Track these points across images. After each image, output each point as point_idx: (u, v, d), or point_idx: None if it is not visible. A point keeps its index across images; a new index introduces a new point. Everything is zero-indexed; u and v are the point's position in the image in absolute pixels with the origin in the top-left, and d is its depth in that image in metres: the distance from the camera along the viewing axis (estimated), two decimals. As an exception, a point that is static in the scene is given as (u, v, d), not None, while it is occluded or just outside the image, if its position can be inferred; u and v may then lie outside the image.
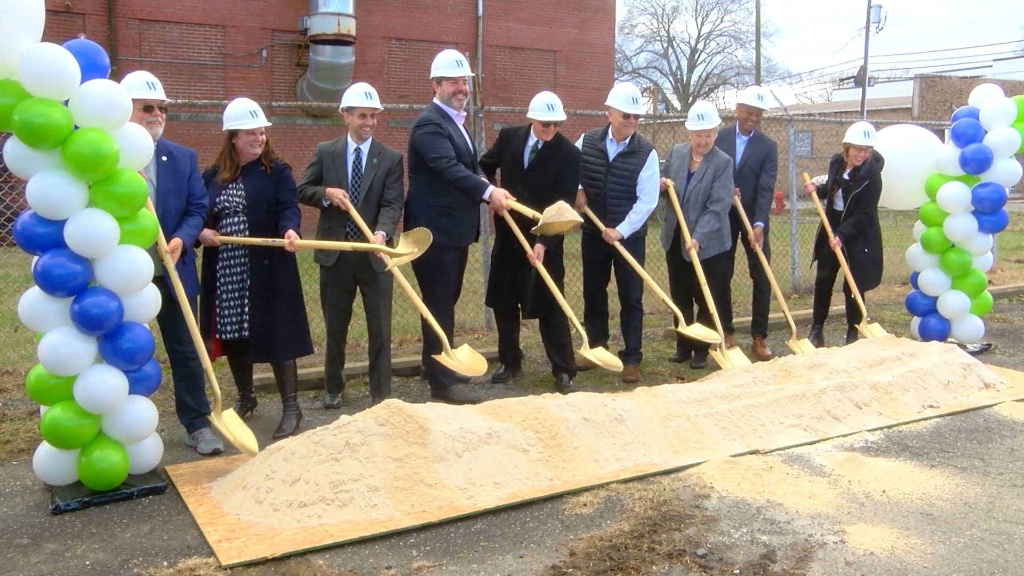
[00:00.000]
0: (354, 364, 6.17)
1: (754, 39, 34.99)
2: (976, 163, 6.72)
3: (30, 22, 3.63)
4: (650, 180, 6.09)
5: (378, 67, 18.36)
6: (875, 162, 6.91)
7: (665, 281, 6.73)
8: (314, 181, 5.41)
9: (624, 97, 5.99)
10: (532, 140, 5.83)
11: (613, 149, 6.12)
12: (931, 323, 7.09)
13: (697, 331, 6.24)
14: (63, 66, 3.62)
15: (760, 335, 7.18)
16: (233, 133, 4.94)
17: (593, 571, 3.32)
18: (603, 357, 5.72)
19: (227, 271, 5.01)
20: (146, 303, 4.06)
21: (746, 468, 4.35)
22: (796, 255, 9.93)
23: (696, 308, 6.58)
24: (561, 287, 5.89)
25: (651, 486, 4.17)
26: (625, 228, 6.06)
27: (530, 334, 7.24)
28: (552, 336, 6.04)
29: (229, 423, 4.46)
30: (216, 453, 4.63)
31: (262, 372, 5.62)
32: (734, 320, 7.25)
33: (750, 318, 7.33)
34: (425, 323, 5.32)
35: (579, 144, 6.20)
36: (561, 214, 5.41)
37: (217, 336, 5.05)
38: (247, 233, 4.96)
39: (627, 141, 6.08)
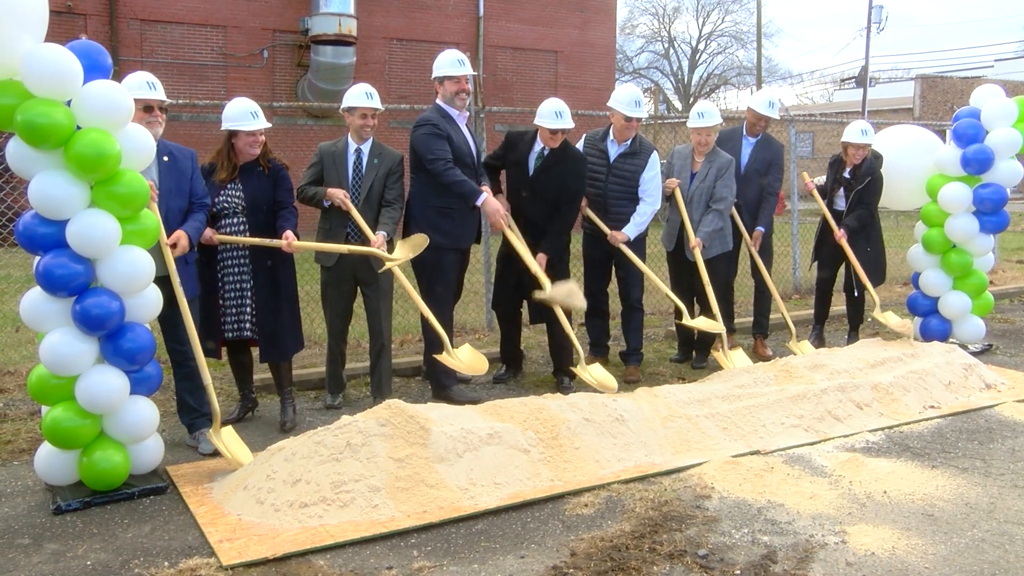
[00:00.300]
0: (355, 364, 6.17)
1: (755, 39, 35.07)
2: (977, 163, 6.72)
3: (33, 23, 3.63)
4: (652, 181, 6.09)
5: (379, 67, 18.37)
6: (874, 159, 6.94)
7: (665, 282, 6.72)
8: (315, 182, 5.41)
9: (627, 100, 5.98)
10: (538, 146, 5.79)
11: (614, 150, 6.12)
12: (932, 324, 7.09)
13: (700, 322, 6.24)
14: (66, 66, 3.62)
15: (761, 336, 7.18)
16: (233, 133, 4.95)
17: (594, 571, 3.32)
18: (598, 377, 5.55)
19: (228, 271, 5.02)
20: (147, 303, 4.06)
21: (747, 468, 4.35)
22: (797, 256, 9.93)
23: (697, 309, 6.58)
24: None
25: (652, 486, 4.17)
26: (631, 230, 6.06)
27: (531, 334, 7.23)
28: (556, 339, 6.04)
29: (227, 441, 4.48)
30: (217, 453, 4.63)
31: (262, 372, 5.63)
32: (735, 320, 7.25)
33: (751, 319, 7.33)
34: (426, 323, 5.32)
35: (580, 144, 6.20)
36: (570, 295, 5.53)
37: (219, 336, 5.05)
38: (247, 234, 4.96)
39: (628, 142, 6.08)
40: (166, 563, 3.40)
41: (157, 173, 4.50)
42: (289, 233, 4.90)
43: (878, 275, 7.17)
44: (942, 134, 8.33)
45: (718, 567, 3.37)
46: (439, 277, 5.56)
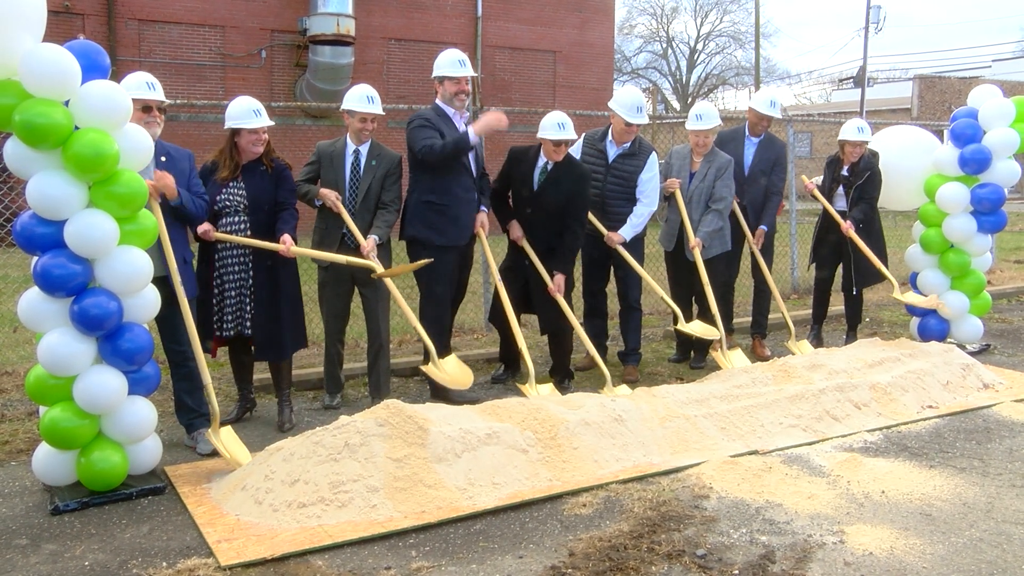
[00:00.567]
0: (353, 365, 6.17)
1: (753, 39, 35.07)
2: (975, 163, 6.73)
3: (31, 22, 3.62)
4: (651, 182, 6.09)
5: (377, 68, 18.36)
6: (872, 156, 6.95)
7: (664, 281, 6.73)
8: (311, 180, 5.40)
9: (629, 106, 5.96)
10: (542, 161, 5.76)
11: (613, 150, 6.11)
12: (930, 323, 7.09)
13: (696, 328, 6.25)
14: (64, 66, 3.62)
15: (760, 336, 7.18)
16: (235, 132, 4.94)
17: (592, 571, 3.32)
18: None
19: (227, 270, 5.01)
20: (146, 304, 4.06)
21: (745, 468, 4.35)
22: (795, 255, 9.93)
23: (696, 309, 6.58)
24: (570, 299, 5.87)
25: (650, 486, 4.17)
26: (627, 231, 6.06)
27: (530, 334, 7.23)
28: (562, 345, 6.04)
29: (226, 441, 4.48)
30: (215, 454, 4.63)
31: (261, 372, 5.62)
32: (734, 321, 7.26)
33: (750, 319, 7.33)
34: (425, 323, 5.32)
35: (579, 144, 6.19)
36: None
37: (217, 334, 5.05)
38: (248, 233, 4.96)
39: (627, 143, 6.07)
40: (164, 563, 3.40)
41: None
42: (287, 238, 4.90)
43: (878, 273, 7.16)
44: (940, 134, 8.33)
45: (716, 567, 3.37)
46: (438, 277, 5.55)
